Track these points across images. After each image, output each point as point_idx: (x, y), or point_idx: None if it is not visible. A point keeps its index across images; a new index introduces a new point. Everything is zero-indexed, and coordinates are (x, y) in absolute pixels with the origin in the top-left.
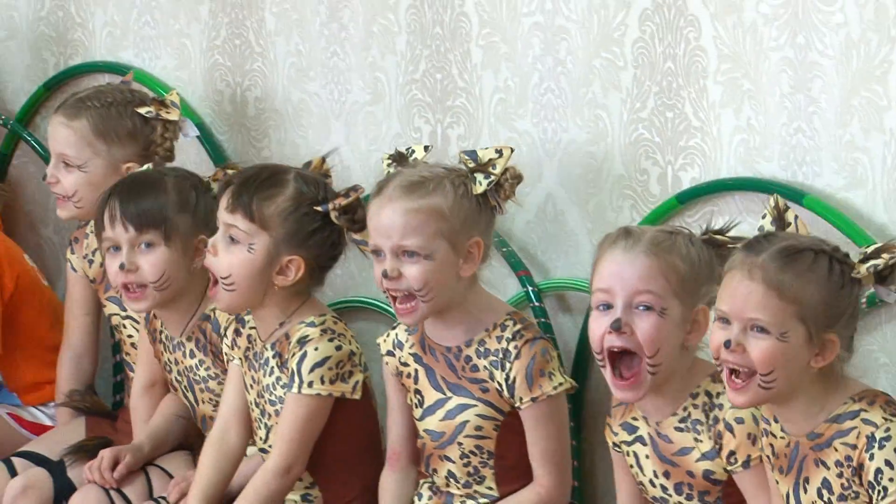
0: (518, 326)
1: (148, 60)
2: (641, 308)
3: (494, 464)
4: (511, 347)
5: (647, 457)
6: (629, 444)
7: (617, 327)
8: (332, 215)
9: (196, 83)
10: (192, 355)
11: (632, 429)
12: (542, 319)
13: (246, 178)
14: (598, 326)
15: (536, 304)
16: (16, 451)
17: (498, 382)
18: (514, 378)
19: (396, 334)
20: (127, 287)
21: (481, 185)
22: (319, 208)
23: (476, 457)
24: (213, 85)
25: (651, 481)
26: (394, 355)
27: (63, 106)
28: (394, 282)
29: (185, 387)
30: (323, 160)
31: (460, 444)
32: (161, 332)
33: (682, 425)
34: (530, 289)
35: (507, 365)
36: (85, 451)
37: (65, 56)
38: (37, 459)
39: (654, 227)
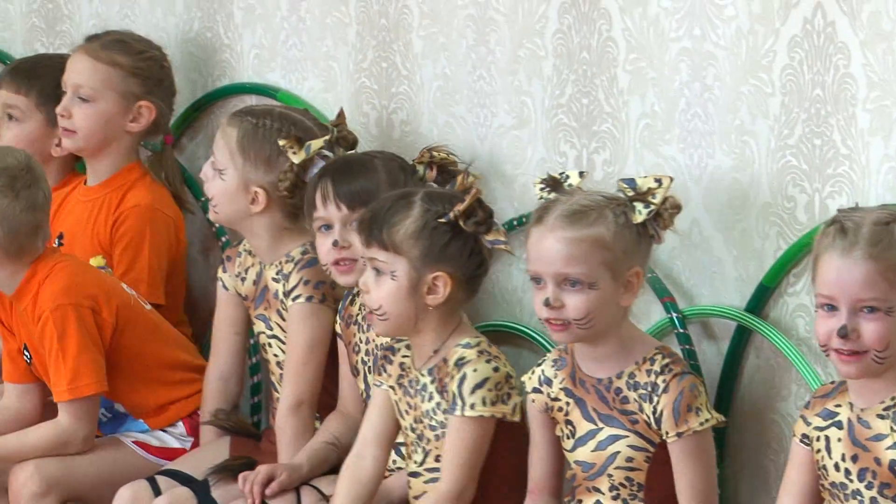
0: (667, 360)
1: (295, 82)
2: (866, 311)
3: (644, 496)
4: (660, 381)
5: (839, 440)
6: (822, 429)
7: (843, 334)
8: (461, 224)
9: (342, 105)
10: None
11: (831, 415)
12: (686, 346)
13: (374, 211)
14: (824, 326)
15: (680, 330)
16: (160, 470)
17: (646, 415)
18: (662, 412)
19: (542, 371)
20: (338, 262)
21: (641, 214)
22: (443, 219)
23: (626, 489)
24: (359, 107)
25: (836, 465)
26: (541, 392)
27: (233, 113)
28: (556, 311)
29: (369, 368)
30: (465, 175)
31: (610, 475)
32: (359, 313)
33: (885, 413)
34: (674, 315)
35: (655, 398)
36: (230, 470)
37: (212, 77)
38: (181, 478)
39: (871, 215)
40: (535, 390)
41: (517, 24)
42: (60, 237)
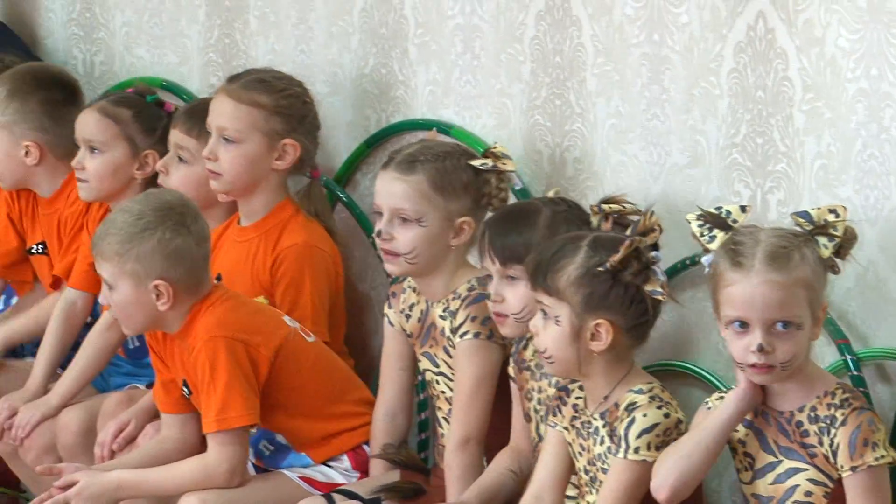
0: (847, 395)
1: (468, 119)
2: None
3: None
4: (838, 414)
5: None
6: None
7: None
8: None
9: (515, 142)
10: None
11: None
12: (861, 389)
13: (542, 253)
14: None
15: (855, 372)
16: (336, 489)
17: (825, 448)
18: (839, 444)
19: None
20: (496, 314)
21: (827, 249)
22: (601, 268)
23: None
24: (532, 144)
25: None
26: None
27: (394, 161)
28: (766, 356)
29: (541, 417)
30: (648, 216)
31: None
32: (532, 359)
33: None
34: (849, 357)
35: (833, 431)
36: (398, 492)
37: (386, 113)
38: (353, 497)
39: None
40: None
41: (692, 63)
42: (218, 277)
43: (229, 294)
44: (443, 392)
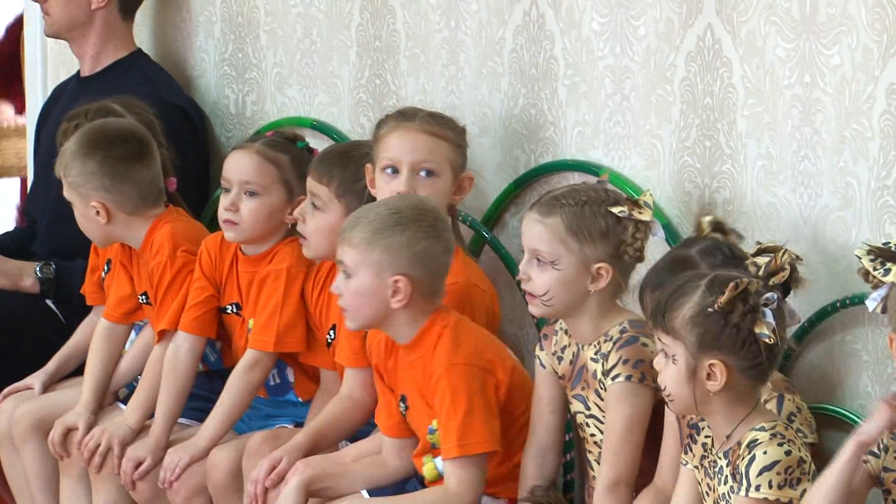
0: None
1: (617, 160)
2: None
3: None
4: None
5: None
6: None
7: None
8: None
9: (664, 184)
10: None
11: None
12: None
13: (664, 293)
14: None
15: None
16: None
17: None
18: None
19: (883, 439)
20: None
21: None
22: (711, 308)
23: None
24: (681, 186)
25: None
26: (878, 457)
27: (538, 203)
28: None
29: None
30: (781, 254)
31: None
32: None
33: None
34: None
35: None
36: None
37: (535, 154)
38: None
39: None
40: (872, 453)
41: (843, 105)
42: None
43: (461, 318)
44: (592, 435)
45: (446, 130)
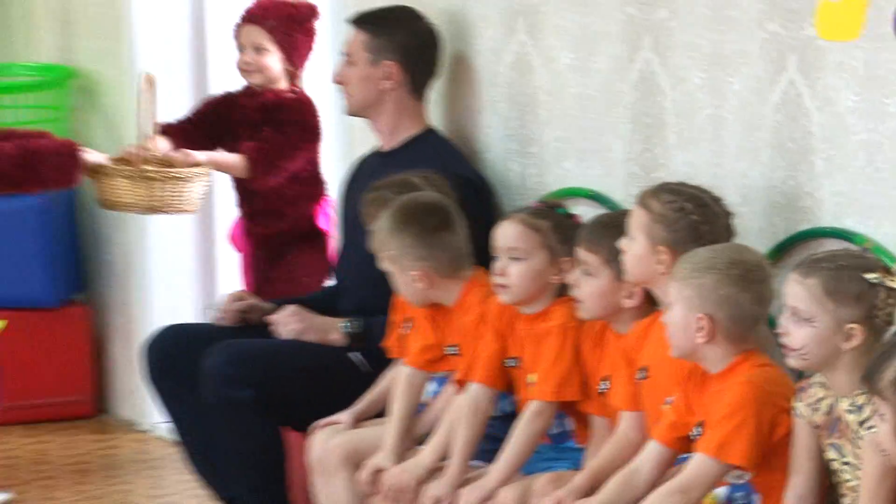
0: None
1: (872, 227)
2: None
3: None
4: None
5: None
6: None
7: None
8: None
9: None
10: None
11: None
12: None
13: (874, 355)
14: None
15: None
16: None
17: None
18: None
19: None
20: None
21: None
22: None
23: None
24: None
25: None
26: None
27: (800, 265)
28: None
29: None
30: None
31: None
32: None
33: None
34: None
35: None
36: None
37: (793, 222)
38: None
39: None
40: None
41: None
42: (645, 370)
43: (769, 362)
44: (847, 481)
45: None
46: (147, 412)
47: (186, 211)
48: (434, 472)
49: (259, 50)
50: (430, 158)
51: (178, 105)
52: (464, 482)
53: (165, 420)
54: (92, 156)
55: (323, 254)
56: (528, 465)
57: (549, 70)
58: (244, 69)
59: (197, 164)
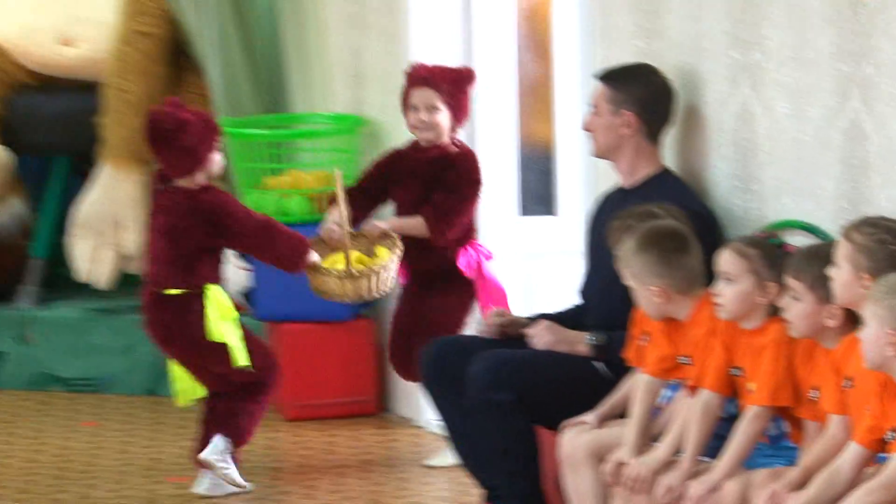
0: None
1: None
2: None
3: None
4: None
5: None
6: None
7: None
8: None
9: None
10: None
11: None
12: None
13: None
14: None
15: None
16: None
17: None
18: None
19: None
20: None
21: None
22: None
23: None
24: None
25: None
26: None
27: None
28: None
29: None
30: None
31: None
32: None
33: None
34: None
35: None
36: None
37: None
38: None
39: None
40: None
41: None
42: (850, 379)
43: None
44: None
45: None
46: (422, 411)
47: (385, 293)
48: (668, 465)
49: (432, 109)
50: (666, 195)
51: None
52: (693, 475)
53: (437, 418)
54: (314, 256)
55: (460, 296)
56: (749, 462)
57: (769, 118)
58: (419, 127)
59: (384, 233)
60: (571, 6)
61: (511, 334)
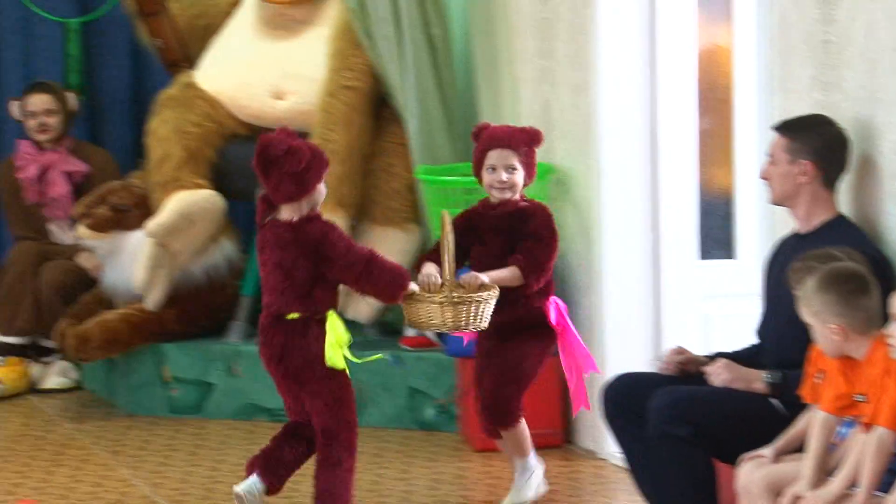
0: None
1: None
2: None
3: None
4: None
5: None
6: None
7: None
8: None
9: None
10: None
11: None
12: None
13: None
14: None
15: None
16: None
17: None
18: None
19: None
20: None
21: None
22: None
23: None
24: None
25: None
26: None
27: None
28: None
29: None
30: None
31: None
32: None
33: None
34: None
35: None
36: None
37: None
38: None
39: None
40: None
41: None
42: None
43: None
44: None
45: None
46: (605, 443)
47: (481, 327)
48: (843, 499)
49: (511, 170)
50: (841, 240)
51: (635, 196)
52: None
53: (619, 451)
54: (413, 286)
55: (543, 344)
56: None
57: None
58: (500, 187)
59: (483, 285)
60: (751, 59)
61: (690, 372)
